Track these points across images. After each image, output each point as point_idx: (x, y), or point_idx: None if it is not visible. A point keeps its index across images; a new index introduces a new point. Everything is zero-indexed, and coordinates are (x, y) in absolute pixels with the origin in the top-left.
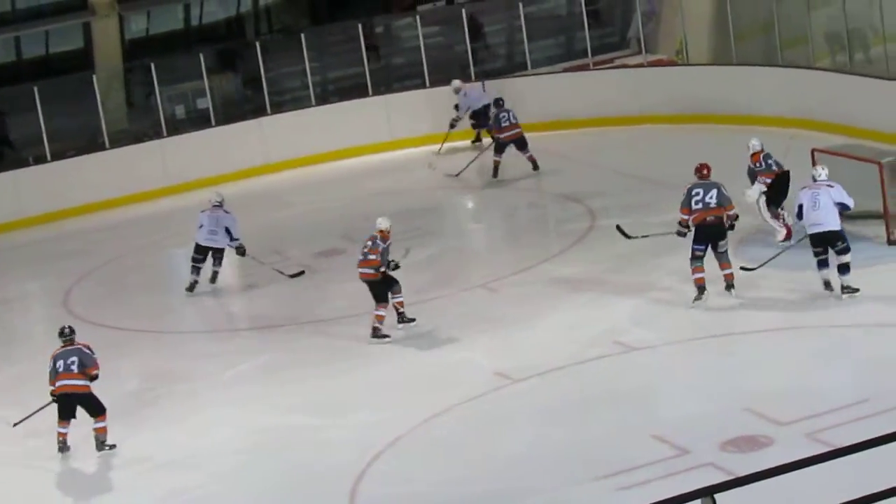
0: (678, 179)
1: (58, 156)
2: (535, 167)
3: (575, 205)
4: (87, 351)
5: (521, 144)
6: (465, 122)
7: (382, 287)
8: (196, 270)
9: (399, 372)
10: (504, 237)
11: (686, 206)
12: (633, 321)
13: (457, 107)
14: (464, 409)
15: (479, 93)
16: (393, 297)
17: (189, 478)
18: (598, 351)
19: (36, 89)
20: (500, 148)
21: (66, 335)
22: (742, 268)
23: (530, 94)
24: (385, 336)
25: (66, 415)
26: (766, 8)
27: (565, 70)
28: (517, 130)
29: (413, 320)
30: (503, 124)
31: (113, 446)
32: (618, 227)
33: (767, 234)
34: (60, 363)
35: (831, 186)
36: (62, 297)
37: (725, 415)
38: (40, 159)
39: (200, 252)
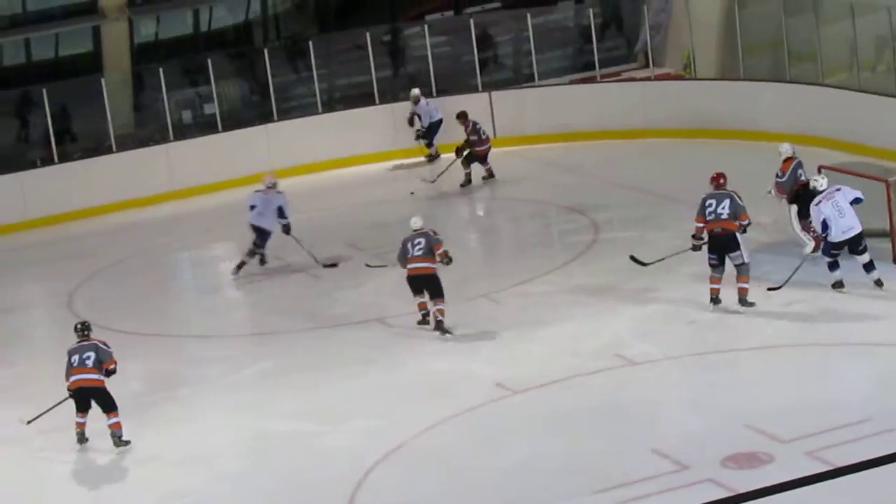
0: (683, 193)
1: (64, 158)
2: (491, 175)
3: (579, 217)
4: (103, 346)
5: (486, 157)
6: (408, 139)
7: (438, 281)
8: (252, 254)
9: (400, 380)
10: (508, 248)
11: (700, 215)
12: (636, 335)
13: (418, 117)
14: (463, 420)
15: (435, 106)
16: (440, 303)
17: (189, 481)
18: (599, 364)
19: (45, 91)
20: (473, 160)
21: (80, 331)
22: (769, 288)
23: (537, 106)
24: (448, 332)
25: (82, 407)
26: (774, 23)
27: (572, 82)
28: (490, 144)
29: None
30: (482, 136)
31: (128, 442)
32: (632, 257)
33: (781, 246)
34: (75, 358)
35: (839, 189)
36: (66, 299)
37: (726, 431)
38: (47, 161)
39: (260, 236)
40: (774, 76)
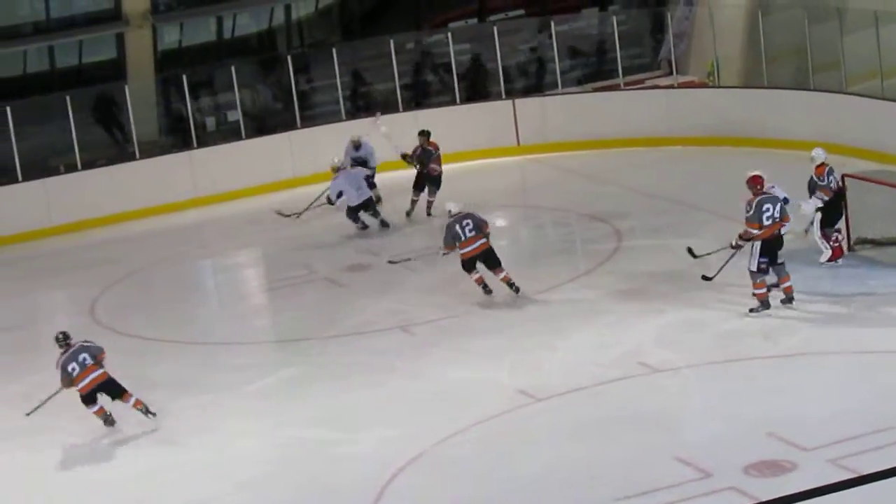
0: (706, 201)
1: (88, 165)
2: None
3: (602, 225)
4: (89, 343)
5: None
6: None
7: (494, 251)
8: (359, 220)
9: (421, 388)
10: (530, 256)
11: (757, 220)
12: (657, 343)
13: (355, 162)
14: (485, 427)
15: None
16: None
17: (209, 488)
18: (621, 372)
19: (68, 98)
20: (431, 184)
21: (62, 341)
22: (703, 277)
23: (560, 113)
24: (518, 288)
25: (90, 400)
26: (798, 31)
27: (595, 90)
28: (441, 169)
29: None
30: (433, 163)
31: (155, 413)
32: (689, 250)
33: (800, 253)
34: (73, 366)
35: (773, 187)
36: (89, 305)
37: (749, 439)
38: (71, 168)
39: (359, 209)
40: (798, 84)
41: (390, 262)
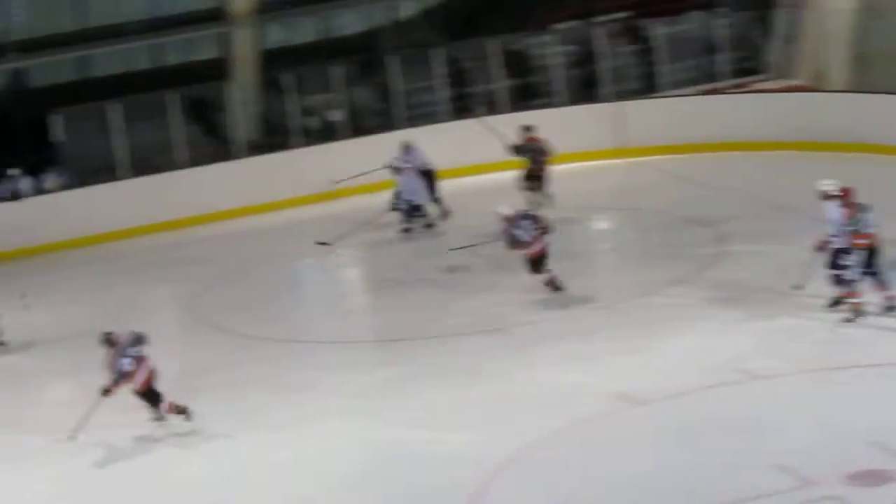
0: (810, 207)
1: (189, 163)
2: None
3: (705, 229)
4: (131, 334)
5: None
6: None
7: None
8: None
9: (518, 390)
10: (632, 259)
11: (863, 230)
12: (759, 349)
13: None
14: (582, 430)
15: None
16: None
17: (304, 486)
18: (722, 377)
19: (170, 97)
20: (539, 183)
21: (107, 341)
22: (792, 286)
23: (663, 116)
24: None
25: (154, 398)
26: None
27: (701, 93)
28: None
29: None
30: (544, 155)
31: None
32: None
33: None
34: (124, 361)
35: None
36: (189, 302)
37: (851, 447)
38: (172, 166)
39: (416, 209)
40: None
41: (451, 250)
